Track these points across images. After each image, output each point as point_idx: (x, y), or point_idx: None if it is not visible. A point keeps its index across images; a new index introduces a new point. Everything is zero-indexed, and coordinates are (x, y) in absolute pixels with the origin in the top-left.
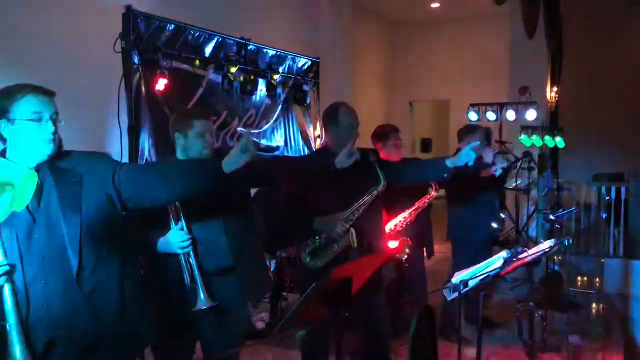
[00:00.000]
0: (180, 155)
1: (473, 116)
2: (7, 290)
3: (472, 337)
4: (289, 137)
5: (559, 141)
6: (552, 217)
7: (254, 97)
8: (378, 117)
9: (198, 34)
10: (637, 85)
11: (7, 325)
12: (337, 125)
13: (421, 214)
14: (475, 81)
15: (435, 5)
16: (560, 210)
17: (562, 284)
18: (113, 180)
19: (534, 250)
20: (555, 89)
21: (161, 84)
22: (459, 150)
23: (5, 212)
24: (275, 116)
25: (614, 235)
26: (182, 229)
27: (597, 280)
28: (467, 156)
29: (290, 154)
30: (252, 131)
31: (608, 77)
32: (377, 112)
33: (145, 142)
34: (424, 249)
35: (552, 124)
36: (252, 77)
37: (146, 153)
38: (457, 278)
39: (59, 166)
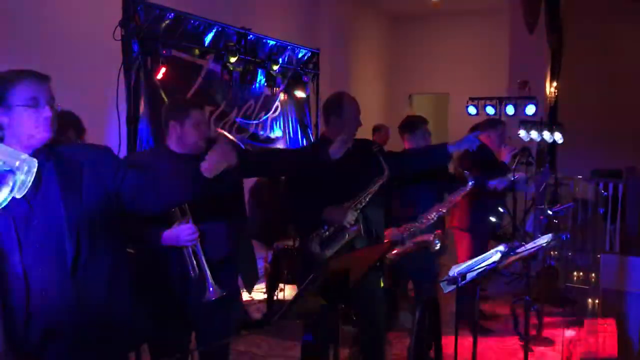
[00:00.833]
0: (173, 145)
1: (472, 110)
2: None
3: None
4: (287, 127)
5: (558, 136)
6: (549, 212)
7: (253, 87)
8: (377, 109)
9: (198, 23)
10: (636, 81)
11: None
12: (340, 115)
13: None
14: (474, 75)
15: None
16: (558, 206)
17: (558, 279)
18: (115, 179)
19: (531, 244)
20: (555, 84)
21: (160, 73)
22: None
23: (5, 198)
24: (274, 107)
25: (610, 231)
26: (188, 222)
27: (593, 275)
28: (470, 141)
29: (289, 145)
30: (251, 122)
31: (608, 72)
32: (376, 104)
33: (144, 131)
34: None
35: (551, 119)
36: (252, 67)
37: (144, 142)
38: (455, 271)
39: (58, 152)
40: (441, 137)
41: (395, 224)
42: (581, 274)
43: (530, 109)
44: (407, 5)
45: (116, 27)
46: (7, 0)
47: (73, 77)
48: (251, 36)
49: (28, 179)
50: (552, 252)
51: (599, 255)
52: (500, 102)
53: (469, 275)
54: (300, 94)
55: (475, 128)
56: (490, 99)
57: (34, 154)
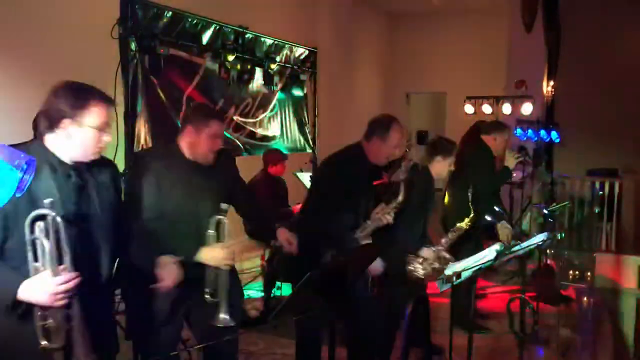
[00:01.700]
0: (184, 147)
1: (469, 109)
2: None
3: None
4: (285, 126)
5: (554, 135)
6: (545, 211)
7: (250, 85)
8: (374, 108)
9: (195, 21)
10: (633, 81)
11: None
12: (385, 139)
13: None
14: (471, 74)
15: None
16: (554, 205)
17: (554, 277)
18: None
19: (526, 243)
20: (552, 83)
21: (158, 71)
22: (480, 142)
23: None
24: (272, 105)
25: (606, 229)
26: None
27: (589, 274)
28: None
29: (286, 144)
30: (248, 120)
31: (605, 72)
32: (373, 103)
33: (142, 129)
34: None
35: (547, 118)
36: (249, 66)
37: (142, 140)
38: (450, 269)
39: (93, 169)
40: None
41: None
42: (577, 272)
43: (527, 108)
44: (404, 5)
45: (114, 25)
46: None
47: (70, 75)
48: (249, 34)
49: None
50: (548, 251)
51: (594, 254)
52: (497, 101)
53: (464, 274)
54: (298, 92)
55: (485, 127)
56: (487, 98)
57: (75, 166)
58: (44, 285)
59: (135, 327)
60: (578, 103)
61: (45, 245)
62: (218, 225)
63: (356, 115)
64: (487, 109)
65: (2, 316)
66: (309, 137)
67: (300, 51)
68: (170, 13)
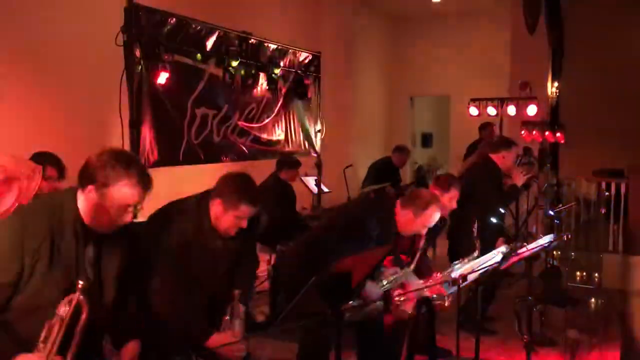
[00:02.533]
0: (210, 215)
1: (473, 111)
2: None
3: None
4: (289, 131)
5: (559, 136)
6: (551, 212)
7: (254, 90)
8: (378, 111)
9: (199, 27)
10: (638, 81)
11: None
12: (418, 214)
13: None
14: (475, 76)
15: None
16: (560, 206)
17: (561, 279)
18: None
19: (533, 245)
20: (556, 84)
21: (162, 78)
22: (486, 158)
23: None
24: (276, 110)
25: (613, 230)
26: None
27: (596, 275)
28: None
29: (291, 148)
30: (253, 125)
31: (609, 72)
32: (378, 107)
33: (147, 136)
34: None
35: (552, 119)
36: (253, 71)
37: (147, 147)
38: (456, 271)
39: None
40: (443, 139)
41: None
42: (584, 273)
43: (532, 110)
44: (408, 7)
45: (118, 32)
46: (9, 7)
47: (75, 83)
48: (252, 40)
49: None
50: (554, 252)
51: (601, 255)
52: (501, 103)
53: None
54: (302, 96)
55: (494, 145)
56: (492, 100)
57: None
58: None
59: None
60: (583, 103)
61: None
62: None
63: (360, 119)
64: (491, 110)
65: None
66: (314, 141)
67: (304, 56)
68: (174, 20)
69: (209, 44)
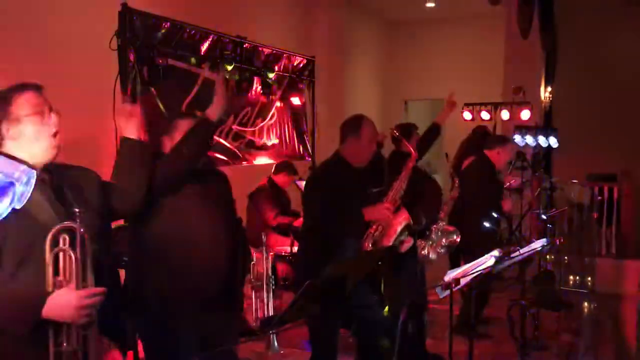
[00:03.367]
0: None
1: (467, 115)
2: None
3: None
4: (284, 135)
5: (553, 141)
6: (544, 217)
7: (249, 94)
8: (372, 115)
9: (194, 31)
10: (631, 85)
11: None
12: (358, 138)
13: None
14: (469, 80)
15: (430, 4)
16: (553, 210)
17: (554, 283)
18: None
19: (526, 249)
20: (549, 88)
21: (156, 82)
22: (481, 152)
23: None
24: (270, 114)
25: (606, 234)
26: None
27: (589, 279)
28: None
29: (285, 152)
30: (247, 129)
31: (602, 77)
32: (372, 111)
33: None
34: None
35: (545, 123)
36: (248, 75)
37: None
38: (449, 276)
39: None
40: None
41: None
42: (577, 277)
43: (525, 114)
44: (402, 12)
45: (112, 36)
46: (2, 10)
47: (69, 87)
48: (247, 44)
49: (27, 190)
50: (548, 256)
51: (595, 259)
52: (495, 108)
53: (463, 280)
54: (296, 101)
55: (490, 141)
56: (485, 104)
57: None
58: (70, 299)
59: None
60: (576, 108)
61: (73, 258)
62: None
63: None
64: (485, 115)
65: (13, 340)
66: (308, 145)
67: (298, 60)
68: (168, 24)
69: (203, 48)
